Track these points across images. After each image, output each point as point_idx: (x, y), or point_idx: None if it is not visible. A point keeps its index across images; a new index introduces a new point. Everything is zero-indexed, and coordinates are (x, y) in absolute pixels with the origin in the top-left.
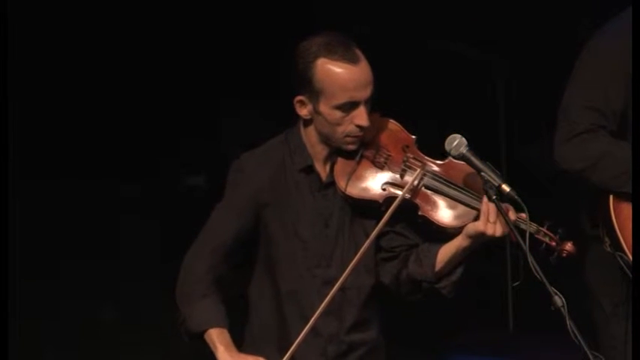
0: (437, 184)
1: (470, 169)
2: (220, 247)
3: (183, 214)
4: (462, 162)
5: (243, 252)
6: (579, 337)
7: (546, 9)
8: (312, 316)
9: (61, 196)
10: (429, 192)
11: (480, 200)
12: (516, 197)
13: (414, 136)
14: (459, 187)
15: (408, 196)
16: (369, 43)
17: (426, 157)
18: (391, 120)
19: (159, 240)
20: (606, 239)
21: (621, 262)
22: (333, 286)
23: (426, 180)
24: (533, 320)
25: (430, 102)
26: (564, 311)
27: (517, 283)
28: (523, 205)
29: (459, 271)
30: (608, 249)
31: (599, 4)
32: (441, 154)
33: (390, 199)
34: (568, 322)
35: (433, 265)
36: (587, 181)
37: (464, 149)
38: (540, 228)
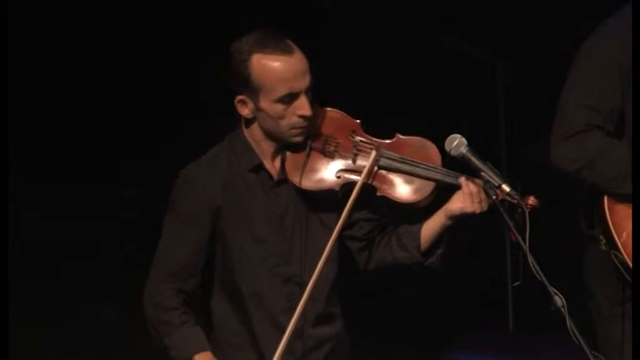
0: (391, 162)
1: (419, 143)
2: (183, 269)
3: None
4: (411, 137)
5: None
6: (579, 337)
7: (546, 9)
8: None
9: (61, 196)
10: (384, 172)
11: (435, 170)
12: (516, 197)
13: (358, 120)
14: (412, 161)
15: (366, 180)
16: (368, 42)
17: (374, 138)
18: (332, 109)
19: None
20: (601, 238)
21: (616, 261)
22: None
23: (381, 160)
24: (533, 320)
25: (430, 101)
26: (564, 311)
27: (517, 283)
28: (524, 205)
29: (444, 242)
30: (604, 248)
31: (598, 4)
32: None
33: (347, 185)
34: (568, 322)
35: (419, 247)
36: (584, 181)
37: (464, 149)
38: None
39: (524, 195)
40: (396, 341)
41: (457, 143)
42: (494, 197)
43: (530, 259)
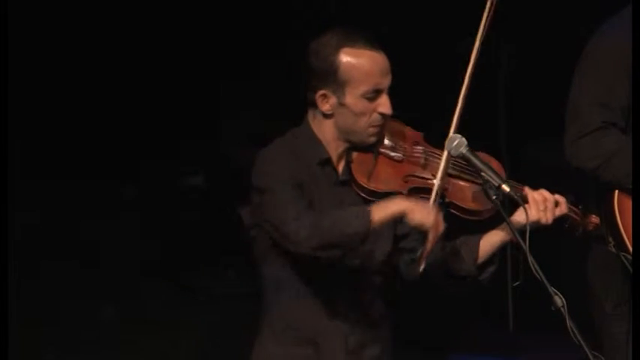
0: (458, 170)
1: (485, 158)
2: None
3: (183, 214)
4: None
5: None
6: (579, 337)
7: (547, 8)
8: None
9: (61, 196)
10: (452, 179)
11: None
12: (516, 197)
13: (420, 132)
14: (475, 170)
15: (439, 182)
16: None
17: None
18: (396, 120)
19: (159, 239)
20: (610, 239)
21: (625, 262)
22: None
23: (451, 166)
24: (533, 320)
25: (430, 101)
26: (564, 311)
27: (517, 283)
28: (523, 205)
29: (497, 258)
30: (612, 249)
31: (599, 4)
32: None
33: (414, 189)
34: (568, 322)
35: (475, 260)
36: (600, 178)
37: (464, 149)
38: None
39: (585, 213)
40: (396, 341)
41: (457, 143)
42: (494, 197)
43: (530, 259)
